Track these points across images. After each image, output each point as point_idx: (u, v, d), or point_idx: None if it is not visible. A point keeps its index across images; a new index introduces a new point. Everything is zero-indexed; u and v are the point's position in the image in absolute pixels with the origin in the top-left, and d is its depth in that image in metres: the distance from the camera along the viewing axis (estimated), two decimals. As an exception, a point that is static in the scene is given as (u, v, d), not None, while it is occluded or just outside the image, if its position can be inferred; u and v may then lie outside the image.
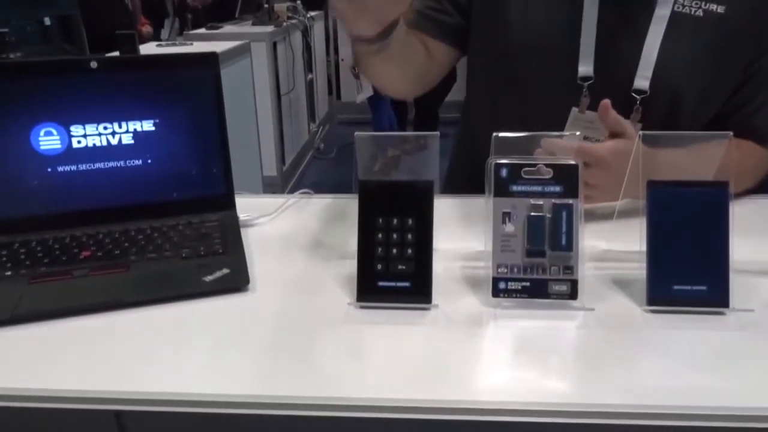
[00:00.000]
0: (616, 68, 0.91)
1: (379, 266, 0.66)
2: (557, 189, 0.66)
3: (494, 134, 0.67)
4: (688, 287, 0.64)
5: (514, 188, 0.66)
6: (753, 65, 0.92)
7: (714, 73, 0.91)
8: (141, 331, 0.64)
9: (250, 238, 0.85)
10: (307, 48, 4.43)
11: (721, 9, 0.88)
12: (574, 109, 0.94)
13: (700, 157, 0.73)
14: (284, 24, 3.83)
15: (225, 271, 0.73)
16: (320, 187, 4.40)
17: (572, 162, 0.66)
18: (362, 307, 0.66)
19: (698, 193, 0.65)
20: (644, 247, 0.66)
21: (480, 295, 0.69)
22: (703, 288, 0.64)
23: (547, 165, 0.66)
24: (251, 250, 0.81)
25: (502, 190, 0.66)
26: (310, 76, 4.65)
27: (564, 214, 0.65)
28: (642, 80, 0.90)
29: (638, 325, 0.63)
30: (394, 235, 0.67)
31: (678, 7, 0.88)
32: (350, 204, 0.95)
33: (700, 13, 0.88)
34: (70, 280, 0.71)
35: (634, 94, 0.91)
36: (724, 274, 0.64)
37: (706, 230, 0.65)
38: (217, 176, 0.89)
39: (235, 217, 0.88)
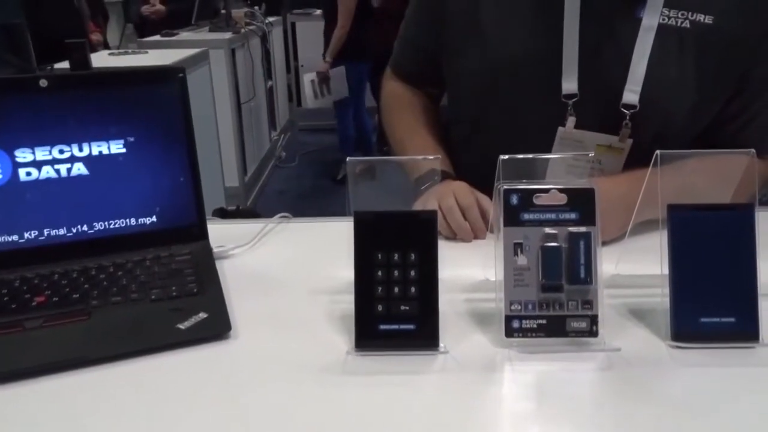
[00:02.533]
0: (602, 83, 0.87)
1: (380, 307, 0.59)
2: (573, 216, 0.60)
3: (501, 157, 0.61)
4: (716, 319, 0.59)
5: (526, 216, 0.60)
6: (746, 75, 0.88)
7: (705, 84, 0.87)
8: (107, 393, 0.55)
9: (226, 272, 0.77)
10: (267, 54, 4.32)
11: (708, 20, 0.84)
12: (561, 129, 0.89)
13: (712, 176, 0.68)
14: (242, 30, 3.72)
15: (202, 315, 0.64)
16: (284, 196, 4.30)
17: (588, 186, 0.60)
18: (362, 355, 0.59)
19: (723, 216, 0.60)
20: (659, 271, 0.61)
21: (491, 333, 0.62)
22: (732, 320, 0.59)
23: (560, 190, 0.60)
24: (229, 287, 0.72)
25: (512, 218, 0.60)
26: (270, 83, 4.54)
27: (581, 243, 0.59)
28: (631, 94, 0.85)
29: (665, 364, 0.58)
30: (396, 272, 0.60)
31: (664, 19, 0.84)
32: (335, 228, 0.88)
33: (687, 24, 0.84)
34: (20, 333, 0.62)
35: (623, 109, 0.86)
36: (754, 304, 0.59)
37: (732, 257, 0.60)
38: (186, 203, 0.80)
39: (209, 249, 0.79)
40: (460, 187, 0.85)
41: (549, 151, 0.93)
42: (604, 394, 0.55)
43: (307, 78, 3.83)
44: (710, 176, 0.65)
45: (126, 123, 0.76)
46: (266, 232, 0.89)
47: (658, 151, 0.62)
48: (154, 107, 0.78)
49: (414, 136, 1.03)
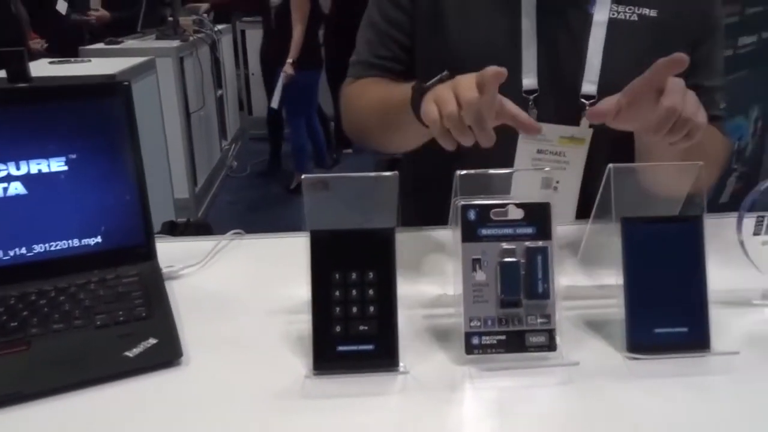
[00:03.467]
0: (561, 77, 0.91)
1: (338, 328, 0.58)
2: (529, 231, 0.60)
3: (457, 172, 0.61)
4: (669, 330, 0.60)
5: (484, 232, 0.60)
6: (692, 55, 0.93)
7: None
8: (49, 430, 0.52)
9: (176, 293, 0.74)
10: (216, 63, 4.25)
11: (653, 13, 0.91)
12: None
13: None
14: (191, 38, 3.65)
15: (151, 341, 0.61)
16: (236, 206, 4.23)
17: (544, 200, 0.60)
18: (320, 377, 0.58)
19: (673, 228, 0.61)
20: (611, 281, 0.62)
21: (451, 350, 0.62)
22: (684, 330, 0.60)
23: (517, 205, 0.60)
24: (179, 309, 0.70)
25: (470, 234, 0.60)
26: (219, 91, 4.46)
27: (539, 258, 0.59)
28: (589, 85, 0.90)
29: (623, 376, 0.59)
30: (353, 292, 0.58)
31: (613, 14, 0.90)
32: (291, 243, 0.85)
33: (635, 17, 0.90)
34: (-48, 367, 0.58)
35: (582, 100, 0.90)
36: (704, 313, 0.60)
37: (683, 267, 0.61)
38: (133, 222, 0.77)
39: (158, 269, 0.76)
40: (464, 79, 0.68)
41: (514, 147, 0.94)
42: (565, 410, 0.55)
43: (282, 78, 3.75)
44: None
45: (67, 139, 0.73)
46: (218, 249, 0.86)
47: (610, 165, 0.63)
48: (98, 122, 0.74)
49: (396, 85, 0.89)
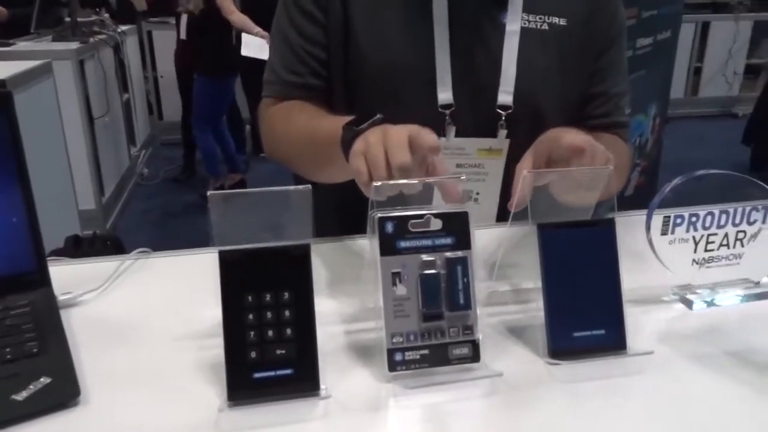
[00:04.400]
0: (477, 89, 0.90)
1: (253, 354, 0.54)
2: (449, 241, 0.59)
3: (373, 183, 0.59)
4: (588, 333, 0.61)
5: (403, 244, 0.58)
6: (597, 65, 0.97)
7: (568, 80, 0.94)
8: None
9: (74, 323, 0.67)
10: (121, 65, 4.04)
11: (563, 21, 0.92)
12: (442, 139, 0.89)
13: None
14: (91, 40, 3.44)
15: (44, 380, 0.55)
16: (149, 215, 4.04)
17: (461, 210, 0.59)
18: (236, 408, 0.54)
19: (587, 232, 0.62)
20: (530, 285, 0.62)
21: (373, 367, 0.59)
22: (602, 332, 0.61)
23: (435, 215, 0.59)
24: (77, 342, 0.64)
25: (388, 247, 0.58)
26: (126, 95, 4.24)
27: (459, 269, 0.58)
28: (505, 95, 0.90)
29: (545, 383, 0.59)
30: (268, 314, 0.55)
31: (525, 23, 0.90)
32: (202, 261, 0.80)
33: (545, 27, 0.91)
34: None
35: (499, 111, 0.90)
36: (619, 315, 0.62)
37: (598, 270, 0.62)
38: (21, 247, 0.70)
39: (52, 297, 0.69)
40: (396, 135, 0.64)
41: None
42: (491, 423, 0.54)
43: None
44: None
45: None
46: (121, 271, 0.80)
47: (525, 172, 0.63)
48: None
49: (321, 116, 0.88)
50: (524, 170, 0.65)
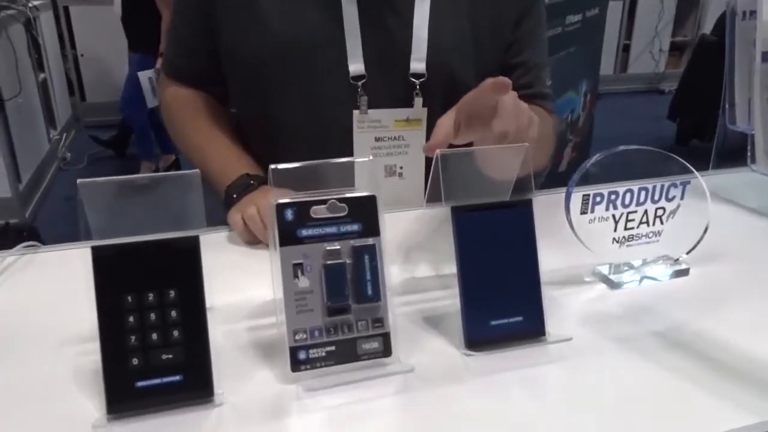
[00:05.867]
0: (389, 58, 0.86)
1: (135, 361, 0.48)
2: (355, 228, 0.54)
3: (271, 166, 0.53)
4: (505, 320, 0.58)
5: (304, 233, 0.53)
6: (516, 31, 0.94)
7: (484, 45, 0.90)
8: None
9: (-61, 330, 0.59)
10: (35, 43, 3.78)
11: None
12: (356, 112, 0.85)
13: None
14: (-2, 15, 3.20)
15: None
16: (73, 202, 3.81)
17: (368, 193, 0.55)
18: (116, 420, 0.48)
19: (503, 215, 0.58)
20: (447, 270, 0.58)
21: (276, 367, 0.54)
22: (519, 319, 0.58)
23: (340, 200, 0.54)
24: (-60, 352, 0.56)
25: (289, 237, 0.53)
26: (42, 75, 3.98)
27: (366, 258, 0.54)
28: (418, 62, 0.86)
29: (461, 376, 0.55)
30: (152, 316, 0.49)
31: None
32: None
33: None
34: None
35: (412, 79, 0.86)
36: (537, 300, 0.59)
37: (515, 254, 0.59)
38: None
39: None
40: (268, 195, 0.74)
41: (350, 138, 0.89)
42: (402, 421, 0.50)
43: (144, 76, 3.39)
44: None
45: None
46: (2, 269, 0.72)
47: (438, 151, 0.59)
48: None
49: (213, 142, 0.93)
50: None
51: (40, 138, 3.82)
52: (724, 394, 0.52)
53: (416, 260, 0.74)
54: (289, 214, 0.53)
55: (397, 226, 0.80)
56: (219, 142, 0.92)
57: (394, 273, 0.71)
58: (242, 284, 0.67)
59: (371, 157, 0.56)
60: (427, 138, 0.89)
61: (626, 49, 5.91)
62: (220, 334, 0.51)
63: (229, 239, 0.80)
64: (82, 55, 4.66)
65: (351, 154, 0.89)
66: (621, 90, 5.78)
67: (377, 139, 0.88)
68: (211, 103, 0.97)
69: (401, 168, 0.93)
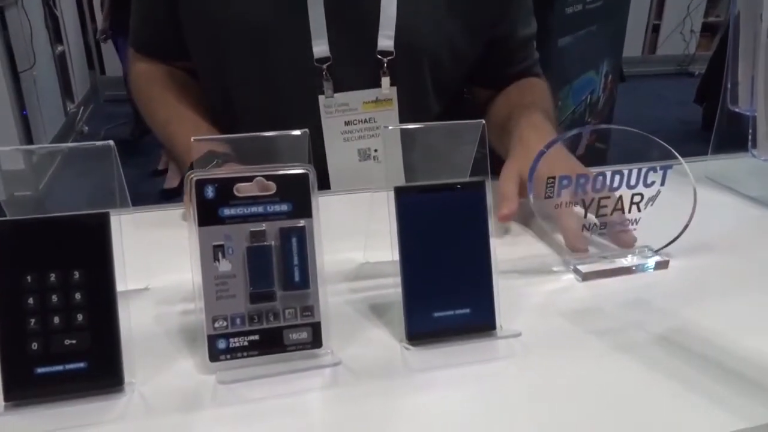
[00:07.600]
0: (355, 37, 0.82)
1: (34, 345, 0.45)
2: (284, 208, 0.50)
3: (192, 138, 0.49)
4: (451, 312, 0.53)
5: (227, 212, 0.49)
6: (499, 26, 0.88)
7: (459, 27, 0.85)
8: None
9: None
10: (52, 15, 3.78)
11: None
12: (321, 97, 0.81)
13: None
14: (11, -15, 3.19)
15: None
16: (87, 177, 3.84)
17: (300, 171, 0.50)
18: (15, 408, 0.45)
19: (452, 197, 0.53)
20: (397, 257, 0.54)
21: (197, 356, 0.51)
22: (467, 311, 0.53)
23: (267, 177, 0.49)
24: None
25: (209, 216, 0.48)
26: (60, 48, 3.99)
27: (294, 240, 0.49)
28: (385, 40, 0.81)
29: (398, 371, 0.51)
30: (54, 298, 0.46)
31: None
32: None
33: None
34: None
35: (379, 57, 0.81)
36: (488, 291, 0.54)
37: (464, 240, 0.54)
38: None
39: None
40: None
41: (319, 124, 0.85)
42: (322, 417, 0.46)
43: None
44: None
45: None
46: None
47: (384, 126, 0.54)
48: None
49: (180, 118, 0.89)
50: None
51: (56, 111, 3.84)
52: (692, 390, 0.47)
53: (376, 244, 0.69)
54: (209, 191, 0.48)
55: (361, 207, 0.76)
56: (186, 118, 0.88)
57: (348, 257, 0.66)
58: (160, 267, 0.63)
59: (306, 131, 0.51)
60: (402, 118, 0.84)
61: (656, 29, 5.72)
62: (132, 320, 0.47)
63: (183, 216, 0.76)
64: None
65: (321, 140, 0.84)
66: (649, 72, 5.60)
67: (347, 123, 0.84)
68: (180, 79, 0.93)
69: (375, 151, 0.88)
